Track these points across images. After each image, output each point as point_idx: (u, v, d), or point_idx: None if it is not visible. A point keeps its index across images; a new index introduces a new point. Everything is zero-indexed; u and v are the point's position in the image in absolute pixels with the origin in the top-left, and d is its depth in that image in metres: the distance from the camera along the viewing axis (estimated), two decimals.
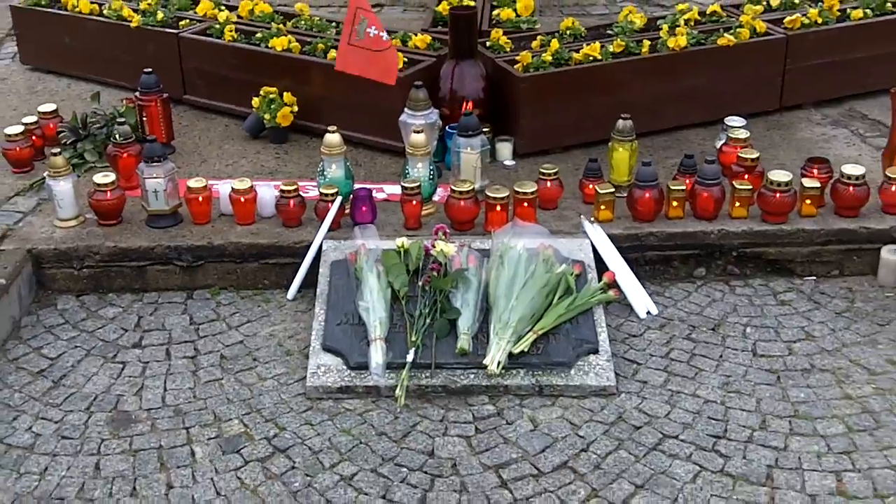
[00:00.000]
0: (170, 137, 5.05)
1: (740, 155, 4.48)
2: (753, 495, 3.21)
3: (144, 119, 4.95)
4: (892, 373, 3.76)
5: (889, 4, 5.56)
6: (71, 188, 4.37)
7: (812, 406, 3.59)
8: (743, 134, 4.66)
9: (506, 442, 3.44)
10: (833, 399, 3.63)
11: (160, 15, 5.64)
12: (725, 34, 5.15)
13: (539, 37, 5.21)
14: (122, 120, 4.73)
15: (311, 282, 4.16)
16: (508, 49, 5.15)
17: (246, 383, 3.75)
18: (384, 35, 4.44)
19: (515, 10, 5.64)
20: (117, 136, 4.65)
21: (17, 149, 4.86)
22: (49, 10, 6.04)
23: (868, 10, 5.51)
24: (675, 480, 3.27)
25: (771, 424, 3.51)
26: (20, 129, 4.90)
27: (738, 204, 4.34)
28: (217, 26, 5.49)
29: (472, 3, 5.48)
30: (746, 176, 4.41)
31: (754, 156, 4.46)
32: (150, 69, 4.97)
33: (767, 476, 3.28)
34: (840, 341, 3.94)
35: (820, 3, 5.59)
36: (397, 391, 3.60)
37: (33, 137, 4.96)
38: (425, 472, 3.32)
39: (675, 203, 4.35)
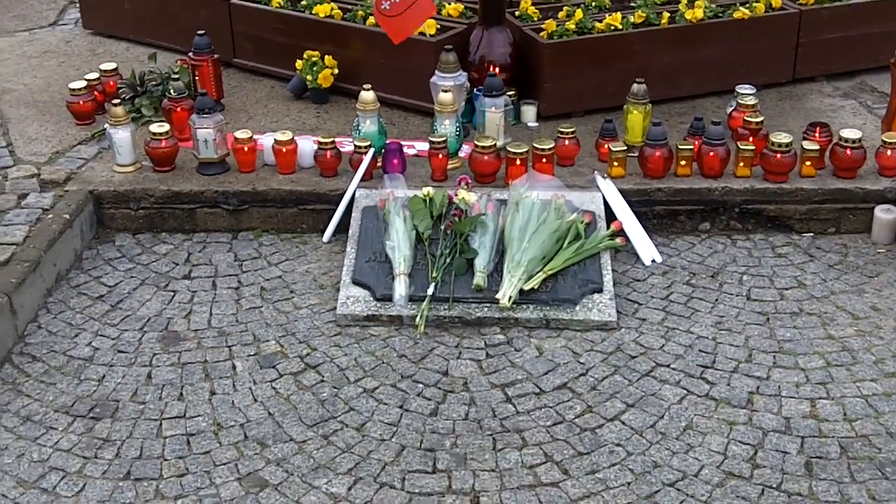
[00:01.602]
0: (220, 96, 5.47)
1: (746, 118, 4.80)
2: (733, 416, 3.57)
3: (197, 78, 5.37)
4: (874, 318, 4.08)
5: None
6: (129, 136, 4.80)
7: (796, 344, 3.94)
8: (751, 100, 4.97)
9: (513, 365, 3.83)
10: (816, 339, 3.97)
11: None
12: (741, 7, 5.46)
13: (566, 7, 5.55)
14: (177, 77, 5.15)
15: (344, 227, 4.55)
16: (536, 18, 5.49)
17: (283, 311, 4.17)
18: None
19: None
20: (172, 92, 5.08)
21: (81, 102, 5.30)
22: None
23: None
24: (662, 401, 3.64)
25: (756, 358, 3.86)
26: (83, 84, 5.34)
27: (741, 164, 4.67)
28: None
29: None
30: (751, 138, 4.73)
31: (759, 119, 4.78)
32: (202, 31, 5.39)
33: (748, 401, 3.64)
34: (829, 290, 4.27)
35: None
36: (417, 320, 4.00)
37: (95, 93, 5.40)
38: (439, 388, 3.72)
39: (683, 162, 4.68)
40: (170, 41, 6.19)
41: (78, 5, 6.91)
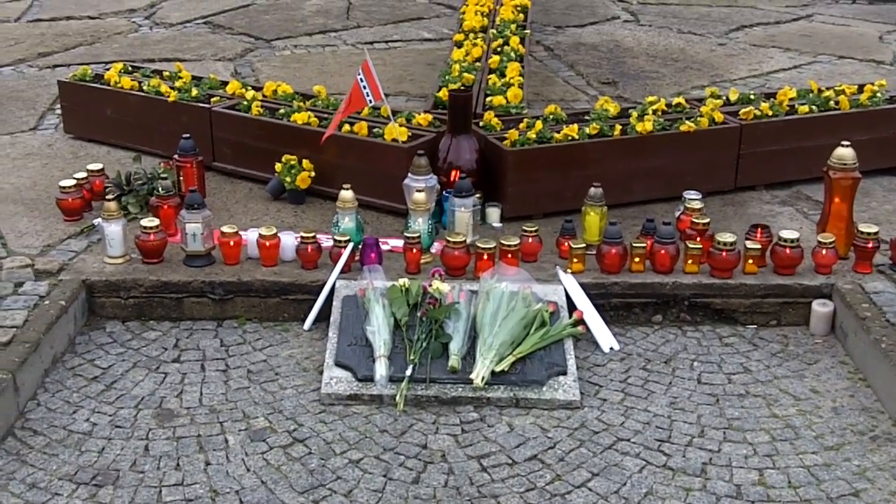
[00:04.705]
0: (203, 195, 5.80)
1: (693, 220, 5.25)
2: (689, 483, 3.90)
3: (181, 178, 5.72)
4: (814, 399, 4.47)
5: (831, 103, 6.40)
6: (120, 230, 5.11)
7: (744, 421, 4.30)
8: (697, 204, 5.43)
9: (486, 440, 4.14)
10: (762, 417, 4.33)
11: (194, 91, 6.46)
12: (687, 122, 5.98)
13: (526, 119, 6.02)
14: (165, 176, 5.50)
15: (324, 316, 4.87)
16: (499, 128, 5.95)
17: (269, 391, 4.45)
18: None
19: (506, 97, 6.47)
20: (160, 190, 5.41)
21: (70, 199, 5.61)
22: (93, 84, 6.86)
23: (814, 107, 6.35)
24: (624, 471, 3.96)
25: (708, 433, 4.21)
26: (73, 182, 5.66)
27: (690, 261, 5.09)
28: (245, 102, 6.30)
29: (471, 79, 6.35)
30: (698, 238, 5.17)
31: (705, 221, 5.23)
32: (188, 135, 5.76)
33: (702, 470, 3.98)
34: (773, 374, 4.66)
35: (772, 99, 6.43)
36: (397, 399, 4.30)
37: (84, 191, 5.71)
38: (419, 459, 4.00)
39: (636, 259, 5.10)
40: (150, 146, 6.54)
41: (59, 111, 7.28)
